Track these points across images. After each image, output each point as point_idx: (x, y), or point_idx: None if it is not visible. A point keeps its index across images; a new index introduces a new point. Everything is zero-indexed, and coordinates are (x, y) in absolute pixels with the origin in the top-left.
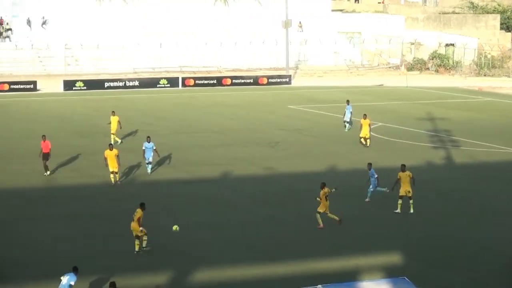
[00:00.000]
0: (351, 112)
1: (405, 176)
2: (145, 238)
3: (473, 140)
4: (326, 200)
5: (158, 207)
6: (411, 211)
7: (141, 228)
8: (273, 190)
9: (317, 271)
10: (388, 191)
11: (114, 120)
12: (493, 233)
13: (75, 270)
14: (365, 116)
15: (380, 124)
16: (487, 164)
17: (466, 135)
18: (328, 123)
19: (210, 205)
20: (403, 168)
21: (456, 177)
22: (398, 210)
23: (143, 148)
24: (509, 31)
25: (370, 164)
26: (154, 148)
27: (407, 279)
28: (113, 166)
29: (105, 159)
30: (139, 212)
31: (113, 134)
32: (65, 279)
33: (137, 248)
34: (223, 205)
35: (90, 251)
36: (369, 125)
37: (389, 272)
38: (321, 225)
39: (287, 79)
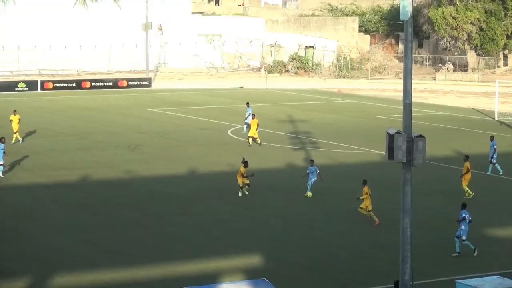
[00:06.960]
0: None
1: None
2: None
3: (333, 142)
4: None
5: (16, 211)
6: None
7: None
8: (133, 193)
9: (177, 274)
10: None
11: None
12: (356, 235)
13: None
14: (253, 116)
15: (240, 126)
16: (346, 165)
17: (326, 137)
18: (189, 125)
19: (69, 209)
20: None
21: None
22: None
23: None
24: (368, 33)
25: (312, 161)
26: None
27: (267, 280)
28: None
29: None
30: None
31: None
32: None
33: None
34: (81, 209)
35: None
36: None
37: (249, 274)
38: (377, 221)
39: (147, 82)
